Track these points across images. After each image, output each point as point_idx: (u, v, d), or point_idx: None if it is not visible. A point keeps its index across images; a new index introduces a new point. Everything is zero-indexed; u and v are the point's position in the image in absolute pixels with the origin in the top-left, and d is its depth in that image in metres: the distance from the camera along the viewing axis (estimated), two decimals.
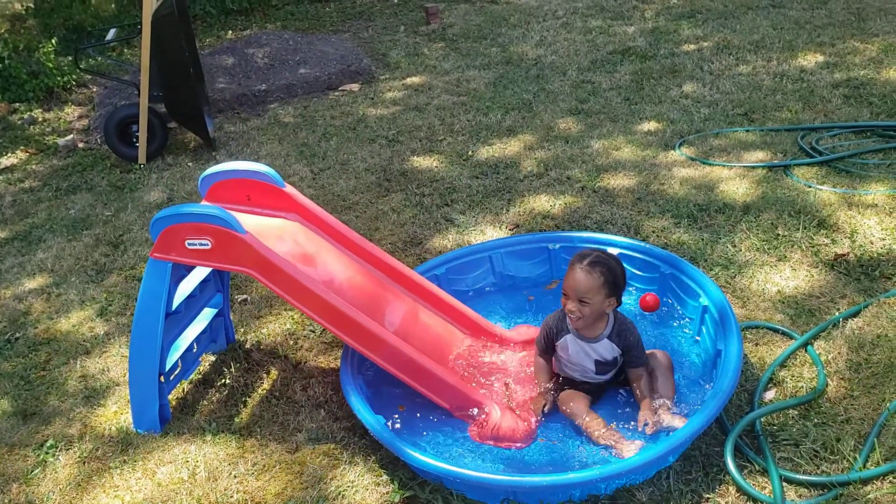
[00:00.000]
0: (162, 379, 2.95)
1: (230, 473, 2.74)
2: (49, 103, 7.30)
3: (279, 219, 3.14)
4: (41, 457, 2.96)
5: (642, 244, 3.40)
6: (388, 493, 2.57)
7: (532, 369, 2.98)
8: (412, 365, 2.78)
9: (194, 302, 3.13)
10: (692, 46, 6.66)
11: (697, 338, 3.06)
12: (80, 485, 2.80)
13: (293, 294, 2.74)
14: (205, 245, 2.71)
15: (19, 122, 6.92)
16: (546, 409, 2.78)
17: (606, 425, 2.66)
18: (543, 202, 4.32)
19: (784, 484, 2.40)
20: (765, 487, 2.41)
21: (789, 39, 6.45)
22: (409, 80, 6.83)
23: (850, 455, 2.48)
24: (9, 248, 4.71)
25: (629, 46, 6.88)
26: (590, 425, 2.66)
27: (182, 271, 2.95)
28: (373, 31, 8.56)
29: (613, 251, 3.39)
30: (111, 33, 6.51)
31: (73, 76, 7.58)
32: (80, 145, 6.35)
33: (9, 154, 6.30)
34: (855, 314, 3.11)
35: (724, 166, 4.44)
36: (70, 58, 7.74)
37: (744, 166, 4.41)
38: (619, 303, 2.78)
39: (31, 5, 9.82)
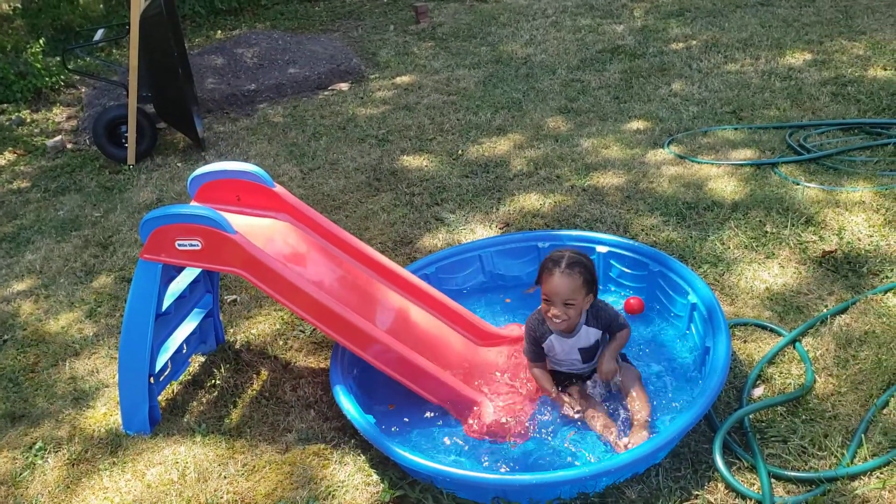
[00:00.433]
0: (151, 380, 2.94)
1: (220, 474, 2.74)
2: (37, 104, 7.27)
3: (269, 219, 3.14)
4: (30, 459, 2.95)
5: (631, 242, 3.41)
6: (378, 492, 2.58)
7: (524, 374, 2.97)
8: (404, 362, 2.78)
9: (184, 303, 3.12)
10: (681, 45, 6.68)
11: (687, 332, 3.08)
12: (69, 487, 2.79)
13: (283, 293, 2.74)
14: (195, 246, 2.71)
15: (7, 123, 6.89)
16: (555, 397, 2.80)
17: (608, 418, 2.69)
18: (533, 201, 4.33)
19: (772, 480, 2.41)
20: (753, 484, 2.42)
21: (777, 37, 6.47)
22: (398, 80, 6.83)
23: (838, 451, 2.49)
24: None
25: (618, 45, 6.89)
26: (593, 416, 2.69)
27: (172, 272, 2.95)
28: (362, 31, 8.55)
29: (602, 249, 3.42)
30: (99, 34, 6.48)
31: (62, 77, 7.55)
32: (69, 146, 6.33)
33: None
34: (843, 311, 3.13)
35: (712, 164, 4.46)
36: (58, 58, 7.71)
37: (732, 164, 4.43)
38: (596, 297, 2.80)
39: (19, 6, 9.78)
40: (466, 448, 2.70)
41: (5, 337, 3.78)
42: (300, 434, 2.87)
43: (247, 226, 2.94)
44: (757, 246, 3.62)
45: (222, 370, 3.28)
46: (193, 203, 3.07)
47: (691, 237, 3.75)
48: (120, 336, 2.92)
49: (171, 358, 3.10)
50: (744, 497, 2.37)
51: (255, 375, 3.25)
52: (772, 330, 3.08)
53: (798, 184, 4.11)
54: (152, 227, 2.74)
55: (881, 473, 2.39)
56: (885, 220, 3.67)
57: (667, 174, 4.43)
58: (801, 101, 5.21)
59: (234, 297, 3.81)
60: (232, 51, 7.49)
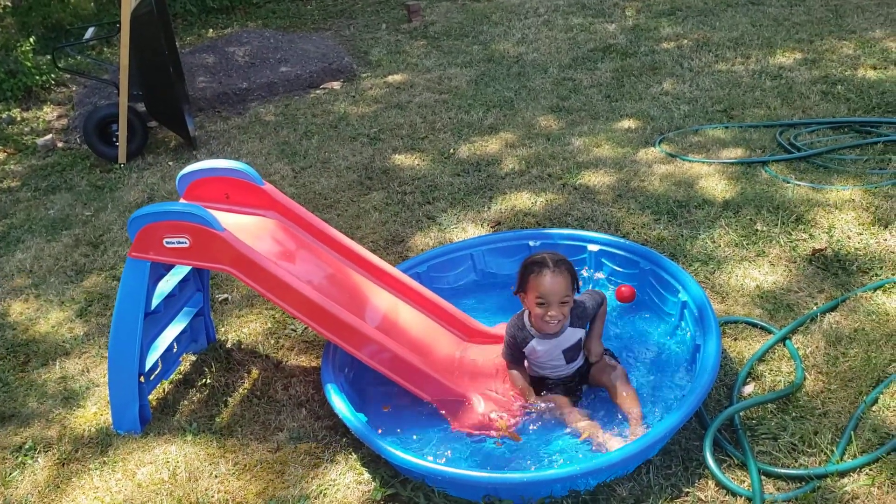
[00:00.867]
0: (142, 379, 2.93)
1: (211, 473, 2.73)
2: (27, 103, 7.24)
3: (258, 216, 3.13)
4: (20, 459, 2.94)
5: (622, 240, 3.42)
6: (369, 491, 2.57)
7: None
8: (394, 359, 2.78)
9: (174, 301, 3.11)
10: (672, 44, 6.70)
11: (677, 329, 3.08)
12: (59, 486, 2.78)
13: (273, 290, 2.74)
14: (183, 243, 2.70)
15: None
16: (533, 400, 2.80)
17: (589, 418, 2.68)
18: (525, 199, 4.33)
19: (762, 477, 2.42)
20: (744, 481, 2.43)
21: (768, 36, 6.49)
22: (390, 78, 6.83)
23: (828, 448, 2.50)
24: None
25: (610, 44, 6.90)
26: (571, 417, 2.69)
27: (161, 270, 2.94)
28: (354, 29, 8.54)
29: (594, 248, 3.42)
30: (90, 32, 6.45)
31: (52, 75, 7.52)
32: (60, 145, 6.30)
33: None
34: (832, 308, 3.14)
35: (703, 163, 4.47)
36: (48, 57, 7.67)
37: (723, 162, 4.44)
38: (579, 290, 2.82)
39: (9, 3, 9.73)
40: (458, 447, 2.70)
41: None
42: (291, 433, 2.86)
43: (236, 223, 2.94)
44: (747, 244, 3.63)
45: (213, 369, 3.27)
46: (182, 201, 3.06)
47: (682, 235, 3.76)
48: (109, 335, 2.91)
49: (162, 357, 3.10)
50: (734, 494, 2.38)
51: (246, 374, 3.24)
52: (762, 328, 3.09)
53: (788, 182, 4.12)
54: (140, 224, 2.73)
55: (870, 470, 2.40)
56: (874, 218, 3.69)
57: (658, 173, 4.43)
58: (791, 100, 5.22)
59: (226, 295, 3.80)
60: (223, 49, 7.47)
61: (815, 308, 3.15)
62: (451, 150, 5.13)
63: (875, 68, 5.55)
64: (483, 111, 5.75)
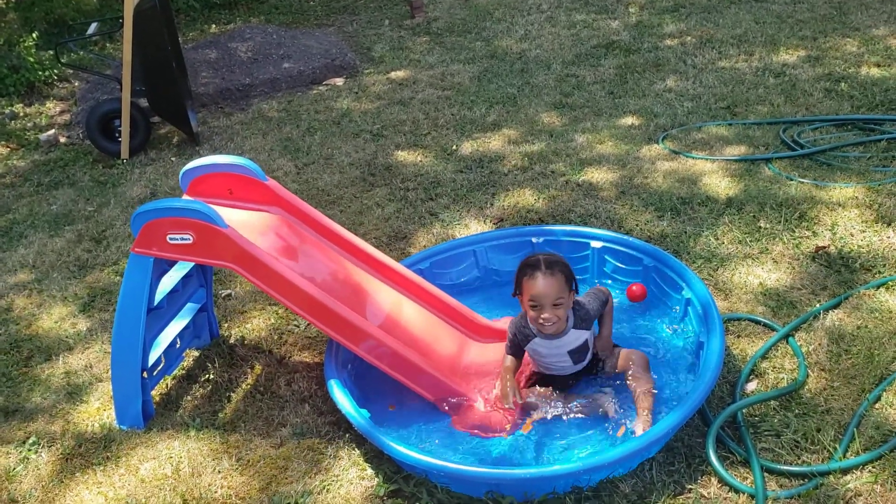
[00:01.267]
0: (145, 375, 2.94)
1: (214, 469, 2.74)
2: (30, 98, 7.24)
3: (261, 212, 3.13)
4: (23, 454, 2.94)
5: (625, 237, 3.42)
6: (372, 486, 2.58)
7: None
8: (396, 357, 2.78)
9: (177, 297, 3.11)
10: (675, 41, 6.69)
11: (676, 327, 3.08)
12: (62, 481, 2.79)
13: (275, 288, 2.74)
14: (186, 239, 2.70)
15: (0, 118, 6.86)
16: (518, 397, 2.78)
17: (581, 397, 2.76)
18: (528, 196, 4.33)
19: (765, 474, 2.42)
20: (746, 478, 2.43)
21: (771, 34, 6.48)
22: (393, 75, 6.82)
23: (831, 445, 2.50)
24: None
25: (613, 40, 6.89)
26: (569, 398, 2.75)
27: (164, 266, 2.94)
28: (357, 25, 8.53)
29: (597, 244, 3.42)
30: (93, 27, 6.44)
31: (55, 71, 7.52)
32: (62, 140, 6.30)
33: None
34: (835, 306, 3.14)
35: (706, 160, 4.47)
36: (51, 52, 7.67)
37: (726, 159, 4.44)
38: (577, 291, 2.80)
39: None
40: (460, 444, 2.70)
41: None
42: (295, 428, 2.87)
43: (239, 220, 2.94)
44: (751, 241, 3.63)
45: (216, 365, 3.28)
46: (186, 197, 3.06)
47: (685, 232, 3.75)
48: (112, 330, 2.91)
49: (165, 352, 3.10)
50: (737, 491, 2.38)
51: (249, 370, 3.25)
52: (765, 325, 3.09)
53: (792, 179, 4.12)
54: (143, 220, 2.74)
55: (873, 467, 2.40)
56: (877, 215, 3.68)
57: (661, 169, 4.43)
58: (794, 98, 5.22)
59: (229, 291, 3.80)
60: (226, 45, 7.46)
61: (818, 305, 3.15)
62: (454, 147, 5.13)
63: (879, 66, 5.54)
64: (486, 108, 5.75)
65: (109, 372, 3.21)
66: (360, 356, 2.80)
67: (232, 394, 3.12)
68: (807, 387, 2.76)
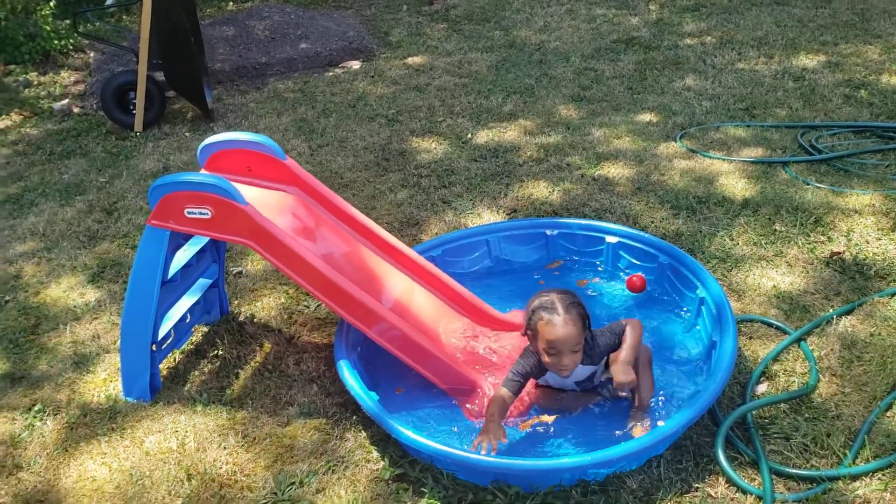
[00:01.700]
0: (154, 348, 2.93)
1: (220, 444, 2.73)
2: (45, 66, 7.22)
3: (279, 191, 3.12)
4: (29, 420, 2.94)
5: (641, 233, 3.40)
6: (378, 469, 2.57)
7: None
8: (407, 341, 2.77)
9: (190, 271, 3.10)
10: (695, 40, 6.65)
11: (694, 326, 3.07)
12: (66, 450, 2.79)
13: (291, 267, 2.73)
14: (204, 214, 2.69)
15: (14, 85, 6.83)
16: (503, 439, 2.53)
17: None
18: (542, 188, 4.31)
19: (773, 477, 2.41)
20: (754, 479, 2.42)
21: (792, 37, 6.44)
22: (410, 60, 6.79)
23: (840, 451, 2.49)
24: (0, 211, 4.67)
25: (633, 36, 6.85)
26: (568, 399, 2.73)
27: (179, 240, 2.93)
28: (375, 9, 8.49)
29: (612, 239, 3.40)
30: None
31: (71, 40, 7.49)
32: (76, 110, 6.28)
33: (2, 116, 6.23)
34: (848, 312, 3.12)
35: (724, 160, 4.44)
36: (68, 21, 7.64)
37: (743, 161, 4.41)
38: (590, 329, 2.65)
39: None
40: (468, 431, 2.69)
41: (7, 298, 3.76)
42: (302, 408, 2.86)
43: (257, 197, 2.92)
44: (766, 244, 3.61)
45: (225, 341, 3.27)
46: (203, 171, 3.05)
47: (701, 231, 3.73)
48: (123, 302, 2.90)
49: (175, 327, 3.09)
50: (744, 492, 2.37)
51: (258, 348, 3.24)
52: (777, 328, 3.08)
53: (808, 184, 4.10)
54: (162, 193, 2.72)
55: (883, 475, 2.39)
56: (893, 223, 3.66)
57: (678, 167, 4.41)
58: (813, 102, 5.18)
59: (240, 268, 3.79)
60: (244, 22, 7.43)
61: (831, 311, 3.13)
62: (469, 135, 5.11)
63: None
64: (503, 97, 5.72)
65: (117, 343, 3.21)
66: (372, 339, 2.79)
67: (240, 371, 3.11)
68: (818, 391, 2.75)
